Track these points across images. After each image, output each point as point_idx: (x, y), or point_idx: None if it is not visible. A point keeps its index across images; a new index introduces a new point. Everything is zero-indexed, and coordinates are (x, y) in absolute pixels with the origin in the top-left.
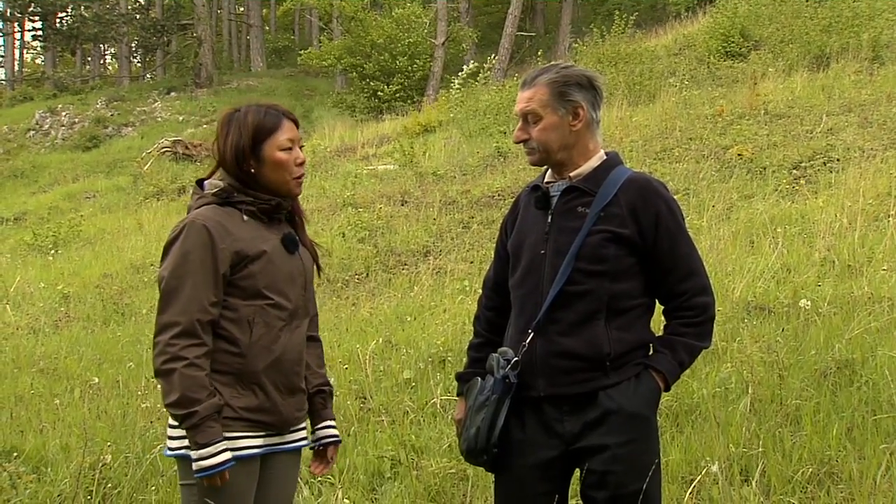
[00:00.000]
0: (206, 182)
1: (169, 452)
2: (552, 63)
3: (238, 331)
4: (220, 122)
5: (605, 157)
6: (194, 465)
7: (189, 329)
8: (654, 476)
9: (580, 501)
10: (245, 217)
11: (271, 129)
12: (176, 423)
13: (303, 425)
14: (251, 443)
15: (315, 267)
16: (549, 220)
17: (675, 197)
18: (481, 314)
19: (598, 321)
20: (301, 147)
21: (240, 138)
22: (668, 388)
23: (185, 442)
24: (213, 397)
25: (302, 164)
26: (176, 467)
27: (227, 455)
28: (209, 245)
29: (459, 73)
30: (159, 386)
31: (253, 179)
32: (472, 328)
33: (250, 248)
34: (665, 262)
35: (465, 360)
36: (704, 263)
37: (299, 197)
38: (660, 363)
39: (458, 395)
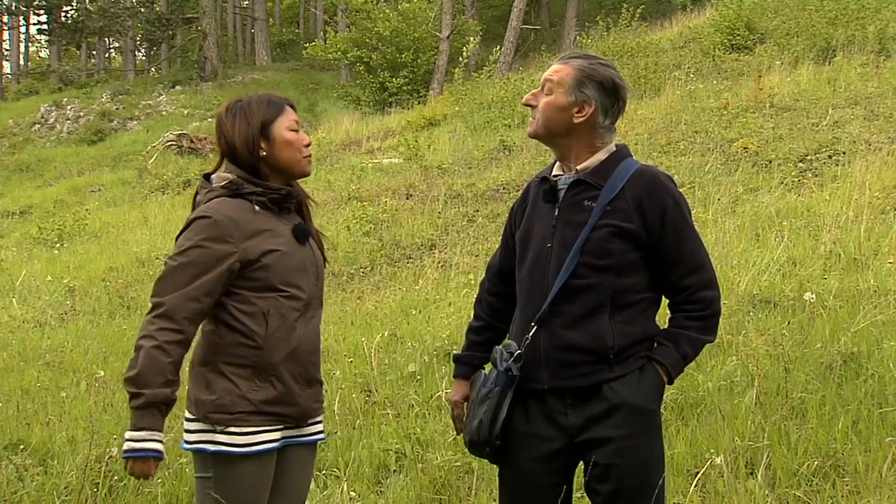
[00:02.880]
0: (213, 176)
1: (186, 446)
2: (596, 55)
3: (254, 324)
4: (221, 115)
5: (613, 150)
6: (126, 444)
7: (169, 313)
8: (658, 469)
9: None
10: (256, 208)
11: (276, 114)
12: (193, 417)
13: (320, 418)
14: (269, 437)
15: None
16: (557, 213)
17: (681, 190)
18: (483, 297)
19: (603, 314)
20: (302, 131)
21: (247, 125)
22: (671, 382)
23: (202, 436)
24: (167, 387)
25: (308, 145)
26: (182, 460)
27: (157, 445)
28: (213, 240)
29: (464, 53)
30: None
31: (264, 163)
32: None
33: (259, 248)
34: (671, 256)
35: (463, 342)
36: (710, 257)
37: (306, 190)
38: (663, 356)
39: (454, 377)
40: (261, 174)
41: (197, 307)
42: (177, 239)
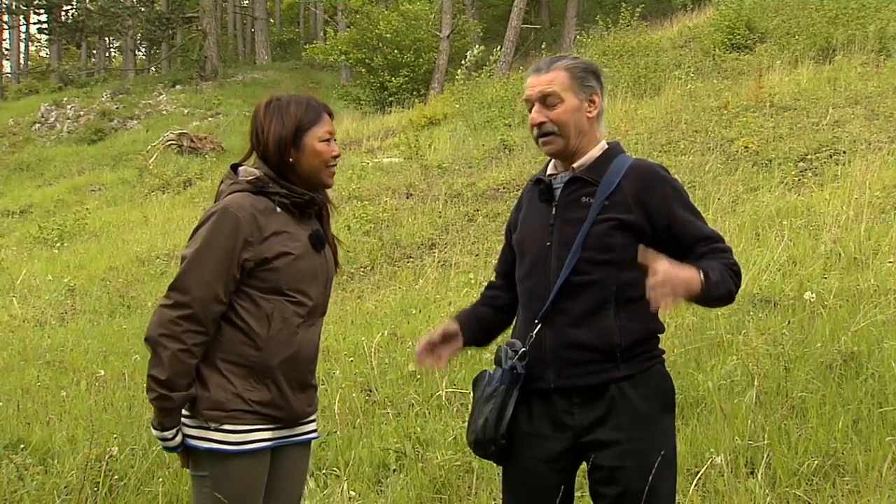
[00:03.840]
0: (240, 168)
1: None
2: (561, 54)
3: (257, 324)
4: (259, 110)
5: (606, 147)
6: (162, 443)
7: (197, 316)
8: (667, 473)
9: (587, 496)
10: (278, 209)
11: (313, 121)
12: (188, 414)
13: (313, 418)
14: (262, 435)
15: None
16: (554, 212)
17: None
18: (484, 291)
19: (608, 311)
20: (335, 141)
21: (283, 127)
22: (703, 291)
23: (196, 433)
24: (191, 388)
25: (337, 156)
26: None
27: (181, 437)
28: (235, 236)
29: (466, 58)
30: (148, 349)
31: (290, 168)
32: None
33: (274, 249)
34: (688, 239)
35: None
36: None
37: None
38: (707, 267)
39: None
40: (286, 176)
41: (221, 308)
42: (195, 230)
